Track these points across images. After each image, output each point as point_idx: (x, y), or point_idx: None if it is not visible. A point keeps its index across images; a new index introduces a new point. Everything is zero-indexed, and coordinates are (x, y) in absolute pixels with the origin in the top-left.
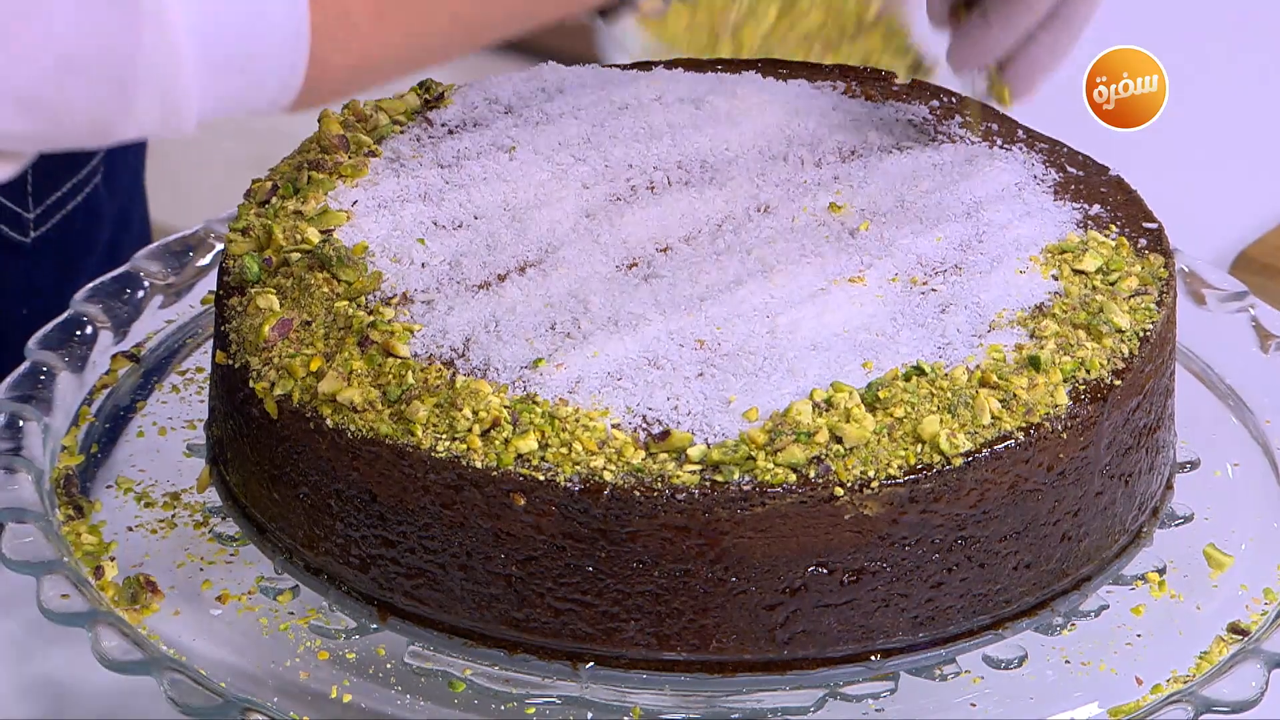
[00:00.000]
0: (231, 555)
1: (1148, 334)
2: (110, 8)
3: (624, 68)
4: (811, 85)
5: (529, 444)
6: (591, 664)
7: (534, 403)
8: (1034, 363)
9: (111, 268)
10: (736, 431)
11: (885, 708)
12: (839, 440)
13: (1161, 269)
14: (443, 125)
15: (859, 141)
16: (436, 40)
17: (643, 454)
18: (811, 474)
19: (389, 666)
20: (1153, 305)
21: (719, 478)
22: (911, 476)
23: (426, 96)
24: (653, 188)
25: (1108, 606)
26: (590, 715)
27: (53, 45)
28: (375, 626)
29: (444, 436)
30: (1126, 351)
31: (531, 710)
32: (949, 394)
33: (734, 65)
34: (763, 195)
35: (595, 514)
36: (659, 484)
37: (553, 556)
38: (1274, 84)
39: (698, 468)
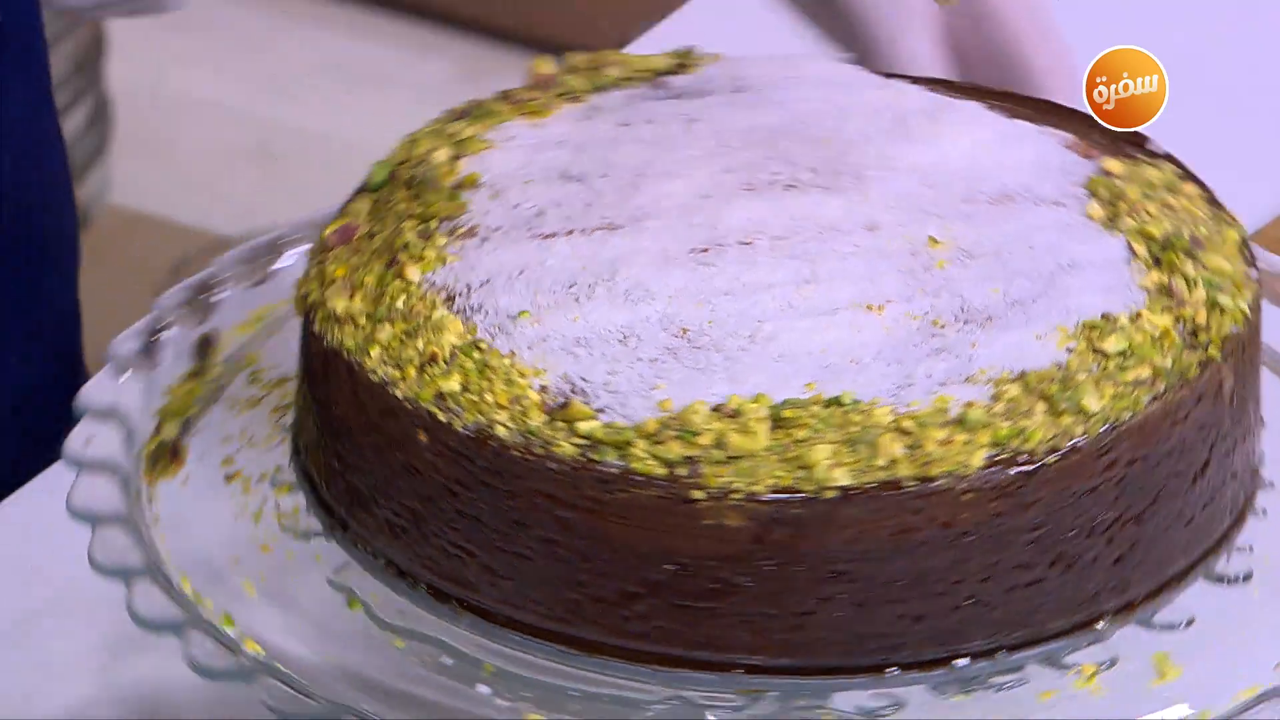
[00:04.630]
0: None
1: (1118, 424)
2: None
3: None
4: (1036, 128)
5: (450, 385)
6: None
7: (477, 349)
8: (961, 419)
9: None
10: (641, 417)
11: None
12: (723, 446)
13: (1194, 368)
14: (666, 90)
15: (1022, 188)
16: None
17: (545, 419)
18: (680, 472)
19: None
20: (1144, 398)
21: (595, 456)
22: (777, 496)
23: (681, 62)
24: (791, 186)
25: (1023, 680)
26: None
27: None
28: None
29: (390, 363)
30: (1080, 433)
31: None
32: (858, 429)
33: (976, 93)
34: (883, 215)
35: (480, 464)
36: (541, 449)
37: (446, 499)
38: (1274, 84)
39: (583, 442)
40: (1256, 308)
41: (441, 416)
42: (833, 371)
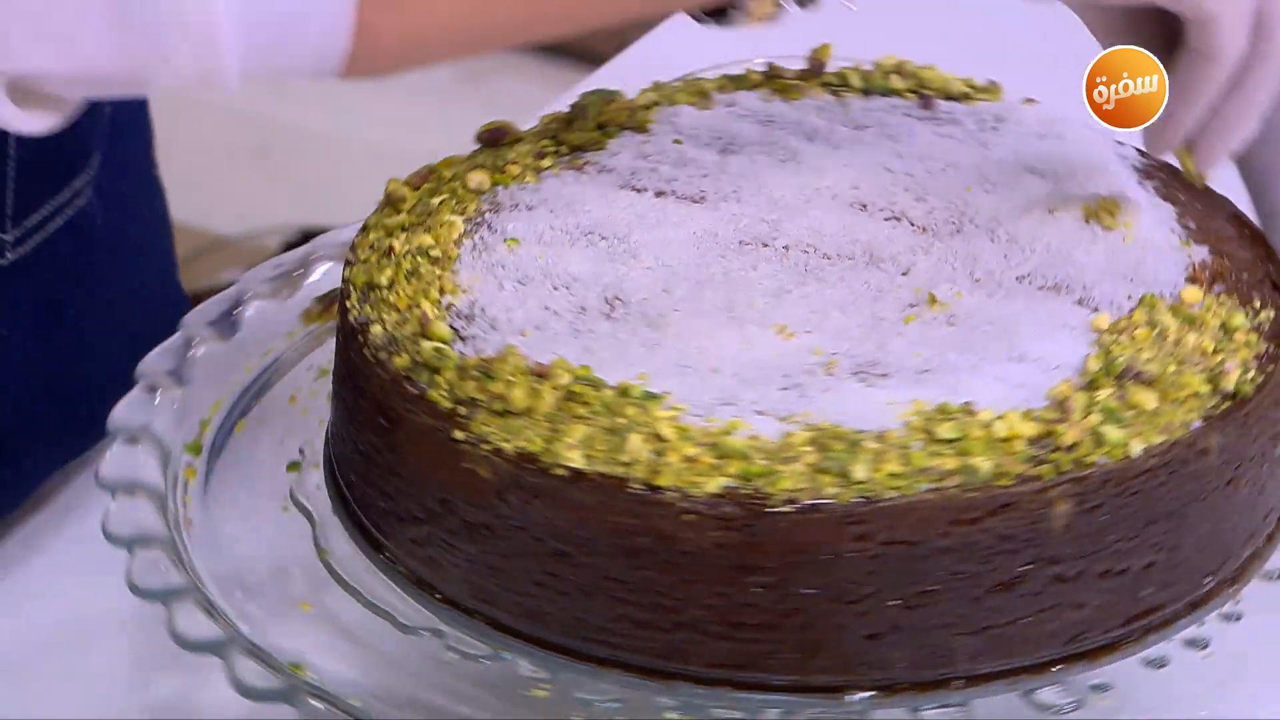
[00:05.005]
0: None
1: (877, 500)
2: None
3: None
4: (1180, 245)
5: (381, 278)
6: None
7: (425, 255)
8: (718, 445)
9: (120, 288)
10: (483, 354)
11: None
12: (504, 400)
13: (1008, 479)
14: (926, 112)
15: (1080, 285)
16: (495, 21)
17: (414, 331)
18: (461, 411)
19: None
20: (922, 486)
21: (411, 374)
22: (519, 459)
23: (969, 91)
24: (893, 218)
25: None
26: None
27: None
28: None
29: (370, 248)
30: (831, 495)
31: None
32: (625, 422)
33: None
34: (927, 266)
35: (352, 355)
36: (384, 355)
37: (338, 382)
38: None
39: (418, 362)
40: (1170, 454)
41: (351, 302)
42: (680, 371)
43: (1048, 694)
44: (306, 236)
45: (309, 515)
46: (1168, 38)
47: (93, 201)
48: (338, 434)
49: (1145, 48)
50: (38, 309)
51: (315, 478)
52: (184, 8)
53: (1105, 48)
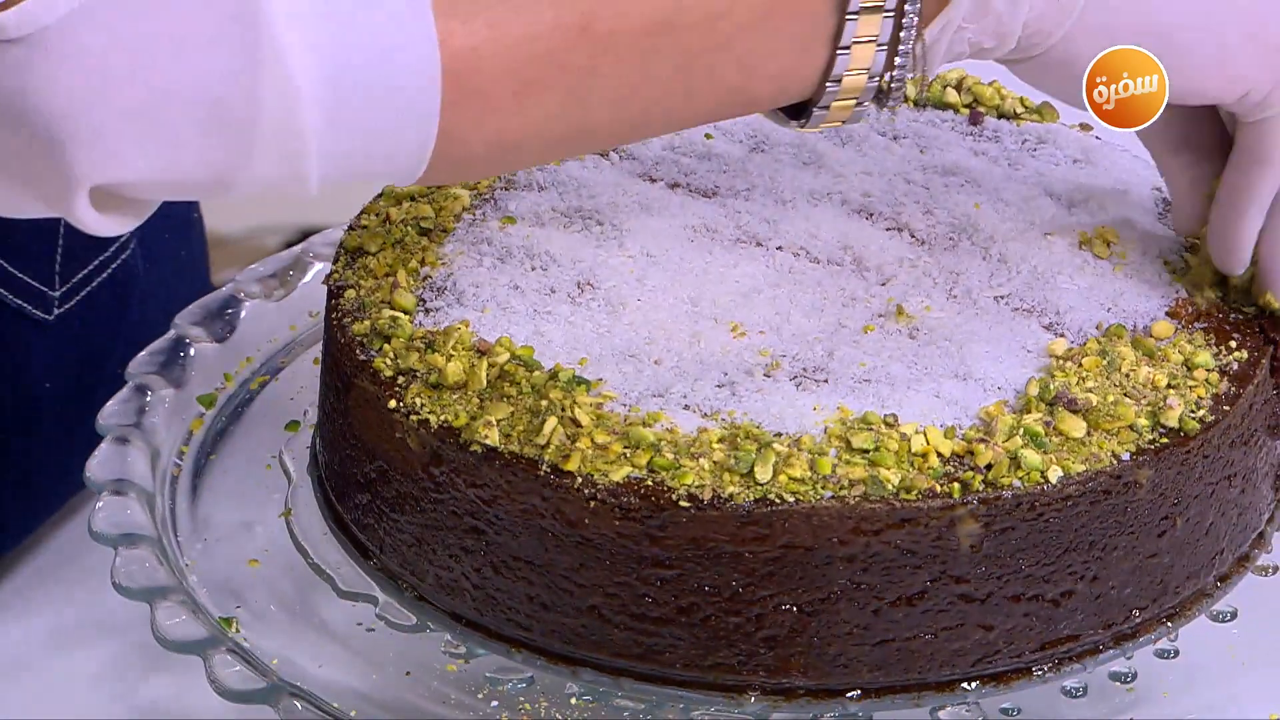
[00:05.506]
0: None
1: (777, 503)
2: (231, 56)
3: None
4: (1174, 281)
5: (370, 244)
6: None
7: (417, 225)
8: (629, 435)
9: (156, 330)
10: (452, 321)
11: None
12: (439, 373)
13: (913, 493)
14: (972, 127)
15: (1054, 310)
16: (585, 126)
17: (382, 299)
18: (400, 381)
19: None
20: (825, 493)
21: (366, 341)
22: (442, 433)
23: (1020, 113)
24: (892, 228)
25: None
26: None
27: (173, 90)
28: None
29: (376, 217)
30: (729, 494)
31: None
32: (548, 404)
33: None
34: (908, 281)
35: (329, 317)
36: (347, 320)
37: (324, 369)
38: None
39: (375, 329)
40: (1091, 484)
41: (337, 265)
42: (621, 359)
43: (954, 713)
44: (305, 236)
45: (288, 474)
46: (1224, 147)
47: (134, 252)
48: (319, 397)
49: (1199, 157)
50: (77, 361)
51: (307, 438)
52: (275, 116)
53: (1158, 156)
